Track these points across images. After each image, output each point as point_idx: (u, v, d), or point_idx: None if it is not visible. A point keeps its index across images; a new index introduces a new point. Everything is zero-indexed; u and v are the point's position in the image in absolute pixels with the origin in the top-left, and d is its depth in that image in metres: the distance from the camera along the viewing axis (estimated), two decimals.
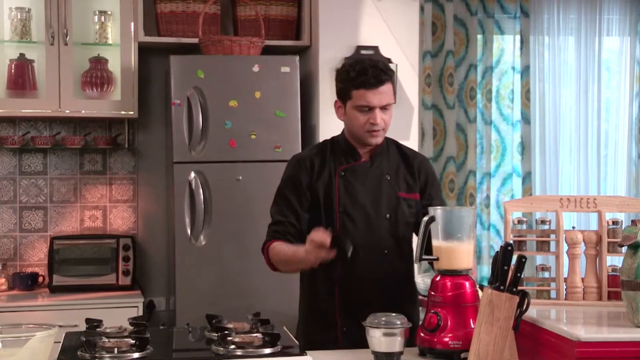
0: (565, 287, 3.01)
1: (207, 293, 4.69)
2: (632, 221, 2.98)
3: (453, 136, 5.61)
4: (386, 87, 3.19)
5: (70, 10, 4.86)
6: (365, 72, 3.17)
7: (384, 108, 3.20)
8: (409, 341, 2.90)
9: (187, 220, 4.71)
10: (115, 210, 5.30)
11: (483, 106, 5.70)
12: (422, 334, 2.84)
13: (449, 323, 2.78)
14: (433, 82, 5.56)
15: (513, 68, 5.78)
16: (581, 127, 5.86)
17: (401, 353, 2.72)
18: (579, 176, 5.86)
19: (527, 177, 5.71)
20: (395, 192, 3.28)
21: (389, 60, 4.93)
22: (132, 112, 4.96)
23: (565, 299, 3.00)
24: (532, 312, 2.84)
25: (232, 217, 4.74)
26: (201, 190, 4.70)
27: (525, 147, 5.71)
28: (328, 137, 3.45)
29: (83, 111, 4.94)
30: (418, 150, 5.20)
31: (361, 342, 2.80)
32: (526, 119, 5.71)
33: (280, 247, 3.21)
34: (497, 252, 2.71)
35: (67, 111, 4.89)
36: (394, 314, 2.74)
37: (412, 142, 4.95)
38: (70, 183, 5.24)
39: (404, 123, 4.97)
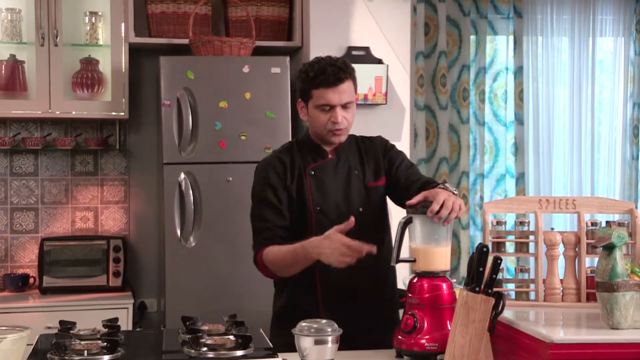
0: (544, 288, 2.99)
1: (197, 294, 4.68)
2: (607, 222, 2.97)
3: (446, 137, 5.59)
4: (346, 85, 3.18)
5: (61, 11, 4.85)
6: (324, 71, 3.16)
7: (345, 106, 3.19)
8: (388, 343, 2.91)
9: (177, 222, 4.70)
10: (106, 211, 5.30)
11: (476, 107, 5.68)
12: (399, 336, 2.82)
13: (425, 325, 2.76)
14: (426, 83, 5.54)
15: (506, 69, 5.76)
16: (575, 128, 5.85)
17: None
18: (573, 177, 5.84)
19: (520, 178, 5.69)
20: (364, 185, 3.27)
21: (380, 61, 4.92)
22: (122, 113, 4.95)
23: (544, 300, 2.99)
24: (510, 313, 2.83)
25: (222, 219, 4.73)
26: (191, 192, 4.70)
27: (518, 148, 5.69)
28: None
29: (73, 112, 4.94)
30: (411, 151, 5.21)
31: (345, 338, 2.77)
32: (519, 120, 5.69)
33: (276, 250, 3.14)
34: (473, 253, 2.69)
35: (58, 112, 4.89)
36: (324, 321, 2.70)
37: (403, 143, 4.94)
38: (62, 184, 5.24)
39: (395, 124, 4.96)
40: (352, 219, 2.94)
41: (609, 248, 2.56)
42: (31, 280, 5.06)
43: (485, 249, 2.65)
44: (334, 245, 2.91)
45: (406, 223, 2.86)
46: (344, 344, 2.84)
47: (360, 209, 3.26)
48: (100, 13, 5.09)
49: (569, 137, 5.85)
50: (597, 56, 5.88)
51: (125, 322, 4.67)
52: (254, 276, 4.65)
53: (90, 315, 4.55)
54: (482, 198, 5.66)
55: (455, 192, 2.92)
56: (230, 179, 4.74)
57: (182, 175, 4.69)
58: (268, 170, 3.28)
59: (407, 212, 2.89)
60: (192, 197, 4.69)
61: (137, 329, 3.88)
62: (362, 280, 3.22)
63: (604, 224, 2.98)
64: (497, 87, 5.81)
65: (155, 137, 5.22)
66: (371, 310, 3.22)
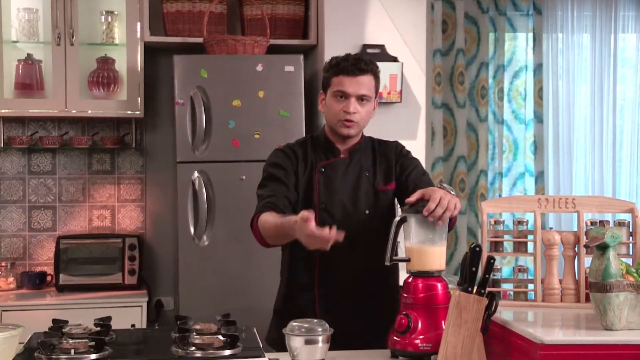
0: (542, 288, 2.95)
1: (210, 293, 4.69)
2: (600, 222, 2.92)
3: (464, 136, 5.55)
4: (365, 78, 3.18)
5: (77, 11, 4.88)
6: (347, 59, 3.19)
7: (360, 100, 3.17)
8: (382, 343, 2.88)
9: (191, 220, 4.71)
10: (123, 209, 5.32)
11: (495, 105, 5.63)
12: (393, 336, 2.80)
13: (419, 325, 2.74)
14: (443, 81, 5.50)
15: (526, 66, 5.70)
16: (596, 126, 5.76)
17: None
18: (594, 176, 5.76)
19: (539, 177, 5.63)
20: (374, 188, 3.25)
21: (395, 59, 4.89)
22: (138, 112, 4.97)
23: (543, 300, 2.94)
24: (509, 314, 2.80)
25: (236, 217, 4.72)
26: (204, 190, 4.70)
27: (538, 147, 5.63)
28: None
29: (89, 111, 4.97)
30: (427, 150, 5.17)
31: (340, 339, 2.76)
32: (539, 118, 5.63)
33: (270, 217, 3.07)
34: (466, 252, 2.66)
35: (74, 111, 4.92)
36: (315, 320, 2.67)
37: (419, 141, 4.90)
38: (79, 183, 5.28)
39: (410, 122, 4.93)
40: (333, 231, 2.76)
41: (603, 248, 2.51)
42: (48, 278, 5.10)
43: (478, 249, 2.62)
44: (301, 235, 2.80)
45: (400, 222, 2.83)
46: (341, 344, 2.83)
47: (367, 211, 3.24)
48: (116, 12, 5.12)
49: (590, 135, 5.77)
50: (619, 53, 5.79)
51: (140, 320, 4.69)
52: (267, 274, 4.69)
53: (105, 313, 4.51)
54: (500, 197, 5.60)
55: (452, 192, 2.89)
56: (244, 177, 4.73)
57: (196, 174, 4.70)
58: (280, 155, 3.30)
59: (402, 211, 2.87)
60: (205, 196, 4.70)
61: (132, 328, 3.90)
62: (360, 282, 3.20)
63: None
64: (517, 85, 5.75)
65: (170, 135, 5.22)
66: (369, 311, 3.20)
